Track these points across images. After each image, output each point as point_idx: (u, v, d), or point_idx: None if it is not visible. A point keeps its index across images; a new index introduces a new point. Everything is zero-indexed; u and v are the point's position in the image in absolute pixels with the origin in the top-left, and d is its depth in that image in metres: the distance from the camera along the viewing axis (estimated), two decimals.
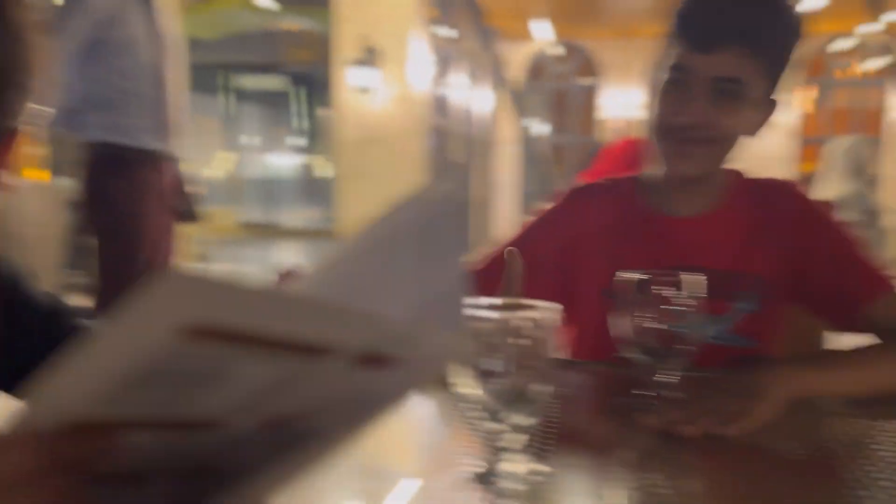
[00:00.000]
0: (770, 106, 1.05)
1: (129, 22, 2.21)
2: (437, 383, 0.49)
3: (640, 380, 0.80)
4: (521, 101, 8.57)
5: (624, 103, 8.57)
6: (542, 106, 10.09)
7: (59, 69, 2.01)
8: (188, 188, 2.49)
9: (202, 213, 2.58)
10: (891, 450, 0.77)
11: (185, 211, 2.49)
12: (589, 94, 9.77)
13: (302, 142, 12.88)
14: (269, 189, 12.43)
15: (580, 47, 9.69)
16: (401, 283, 0.46)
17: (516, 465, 0.60)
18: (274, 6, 8.84)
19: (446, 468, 0.70)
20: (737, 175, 1.12)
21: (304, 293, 0.50)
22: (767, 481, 0.69)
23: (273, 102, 12.36)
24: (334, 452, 0.42)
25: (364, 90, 6.02)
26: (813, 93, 9.49)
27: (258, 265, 7.06)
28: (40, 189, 3.05)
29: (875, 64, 8.91)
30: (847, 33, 8.65)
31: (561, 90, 10.18)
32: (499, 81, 7.82)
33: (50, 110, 1.63)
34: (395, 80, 5.37)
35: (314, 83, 10.84)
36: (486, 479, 0.60)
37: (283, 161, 13.03)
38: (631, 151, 3.81)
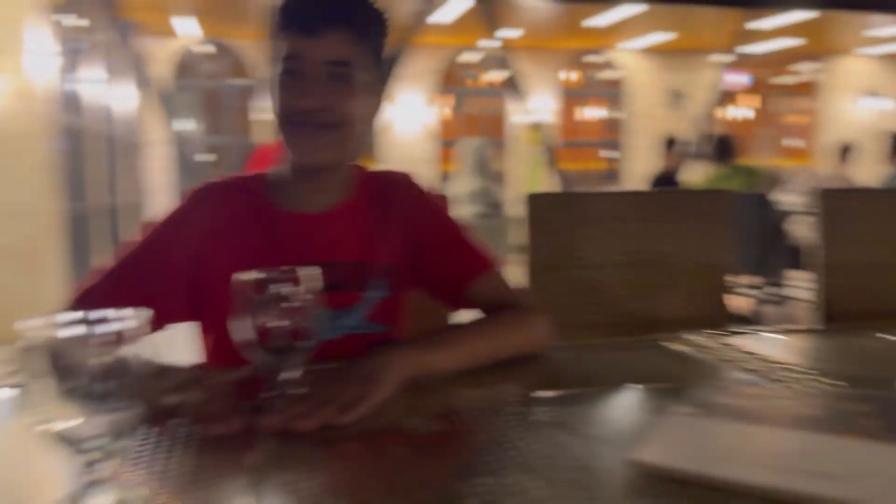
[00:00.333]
0: (380, 95, 1.11)
1: None
2: None
3: (266, 381, 0.78)
4: (169, 101, 8.04)
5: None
6: (194, 106, 9.62)
7: None
8: None
9: None
10: (512, 413, 0.86)
11: None
12: (243, 95, 9.58)
13: None
14: None
15: (230, 46, 9.45)
16: None
17: (106, 496, 0.53)
18: None
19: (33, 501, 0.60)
20: (359, 170, 1.17)
21: None
22: (394, 460, 0.72)
23: None
24: None
25: None
26: (450, 100, 10.59)
27: None
28: None
29: (497, 76, 10.22)
30: (472, 47, 9.80)
31: (213, 90, 9.83)
32: (143, 79, 7.21)
33: None
34: (10, 72, 4.63)
35: None
36: None
37: None
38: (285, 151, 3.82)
